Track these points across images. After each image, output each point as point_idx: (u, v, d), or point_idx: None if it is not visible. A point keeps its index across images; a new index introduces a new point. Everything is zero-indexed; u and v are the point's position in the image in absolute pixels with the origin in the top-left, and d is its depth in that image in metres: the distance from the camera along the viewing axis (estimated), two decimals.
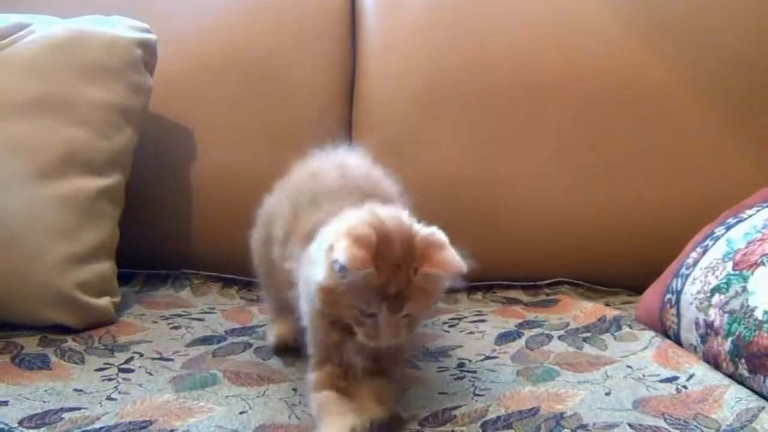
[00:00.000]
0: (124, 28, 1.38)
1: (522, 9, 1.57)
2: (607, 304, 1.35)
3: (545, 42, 1.54)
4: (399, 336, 0.90)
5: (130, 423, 0.87)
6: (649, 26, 1.53)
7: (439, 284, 0.91)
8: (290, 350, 1.09)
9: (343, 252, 0.84)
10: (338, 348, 0.94)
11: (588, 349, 1.14)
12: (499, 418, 0.91)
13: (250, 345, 1.15)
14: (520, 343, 1.18)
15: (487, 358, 1.12)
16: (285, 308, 1.09)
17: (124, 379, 1.01)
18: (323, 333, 0.94)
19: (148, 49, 1.39)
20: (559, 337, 1.19)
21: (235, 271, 1.48)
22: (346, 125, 1.58)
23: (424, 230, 0.91)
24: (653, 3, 1.56)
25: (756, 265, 1.00)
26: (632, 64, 1.51)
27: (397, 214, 0.92)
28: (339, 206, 0.96)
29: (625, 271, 1.46)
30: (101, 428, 0.86)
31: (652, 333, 1.15)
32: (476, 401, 0.96)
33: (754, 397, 0.91)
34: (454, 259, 0.89)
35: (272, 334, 1.13)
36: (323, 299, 0.89)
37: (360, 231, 0.87)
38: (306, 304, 0.95)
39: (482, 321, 1.28)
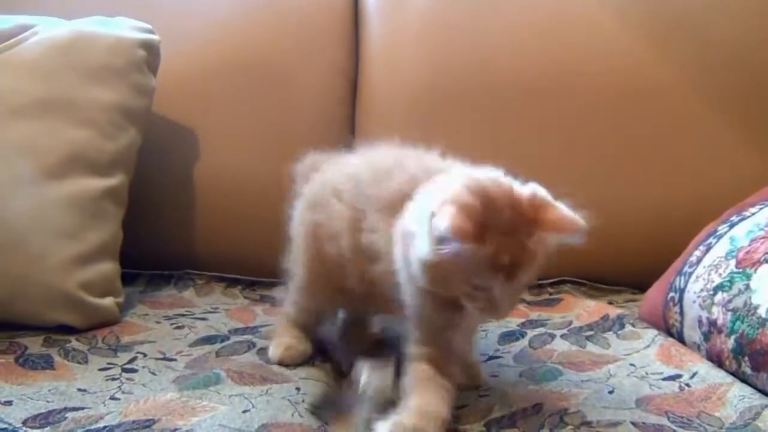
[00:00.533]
0: (127, 29, 1.38)
1: (525, 10, 1.57)
2: (610, 303, 1.35)
3: (548, 43, 1.54)
4: (515, 304, 0.90)
5: (133, 422, 0.87)
6: (651, 26, 1.53)
7: (551, 245, 0.85)
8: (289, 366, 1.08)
9: (448, 223, 0.78)
10: (445, 331, 0.90)
11: (591, 347, 1.14)
12: (503, 416, 0.91)
13: (254, 344, 1.15)
14: (523, 342, 1.18)
15: (491, 357, 1.12)
16: (313, 321, 1.11)
17: (127, 378, 1.01)
18: (431, 311, 0.89)
19: (152, 49, 1.40)
20: (562, 336, 1.18)
21: (238, 271, 1.49)
22: (349, 126, 1.58)
23: (526, 190, 0.85)
24: (655, 2, 1.56)
25: (759, 263, 1.00)
26: (634, 63, 1.51)
27: (495, 177, 0.87)
28: (413, 175, 0.92)
29: (628, 269, 1.46)
30: (104, 427, 0.86)
31: (655, 331, 1.15)
32: (480, 401, 0.96)
33: (758, 395, 0.91)
34: (568, 216, 0.84)
35: (278, 348, 1.09)
36: (430, 276, 0.84)
37: (463, 199, 0.82)
38: (409, 282, 0.89)
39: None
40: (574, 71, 1.52)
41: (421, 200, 0.86)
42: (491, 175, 0.87)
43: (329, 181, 1.06)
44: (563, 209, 0.84)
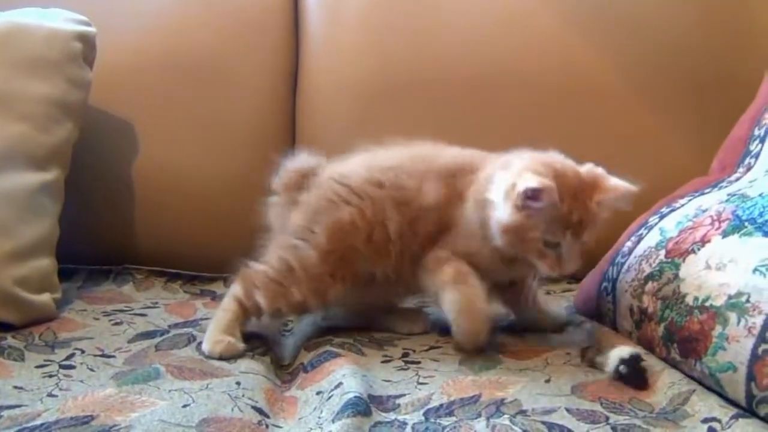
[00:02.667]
0: (62, 20, 1.36)
1: (467, 5, 1.59)
2: (547, 293, 1.37)
3: (489, 38, 1.56)
4: (578, 262, 1.05)
5: (71, 418, 0.86)
6: (590, 23, 1.56)
7: (610, 209, 1.05)
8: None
9: (532, 180, 0.98)
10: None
11: (529, 337, 1.16)
12: (441, 405, 0.92)
13: (194, 338, 1.14)
14: None
15: (432, 348, 1.13)
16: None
17: (65, 375, 1.00)
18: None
19: (88, 42, 1.37)
20: (501, 327, 1.20)
21: (178, 265, 1.48)
22: (289, 122, 1.58)
23: (585, 166, 1.07)
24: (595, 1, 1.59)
25: (687, 252, 1.03)
26: (573, 60, 1.55)
27: (557, 157, 1.07)
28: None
29: None
30: (42, 424, 0.85)
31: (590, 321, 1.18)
32: (420, 389, 0.97)
33: (686, 380, 0.94)
34: (622, 182, 1.04)
35: (218, 345, 1.08)
36: (508, 239, 1.03)
37: (538, 167, 1.02)
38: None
39: (427, 314, 1.29)
40: (516, 65, 1.55)
41: (499, 177, 1.05)
42: (554, 156, 1.07)
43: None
44: (616, 179, 1.05)
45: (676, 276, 1.02)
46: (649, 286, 1.06)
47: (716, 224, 1.03)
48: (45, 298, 1.22)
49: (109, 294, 1.38)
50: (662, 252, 1.08)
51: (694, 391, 0.91)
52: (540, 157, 1.05)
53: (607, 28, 1.56)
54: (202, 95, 1.54)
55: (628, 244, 1.18)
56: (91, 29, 1.39)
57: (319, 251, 1.12)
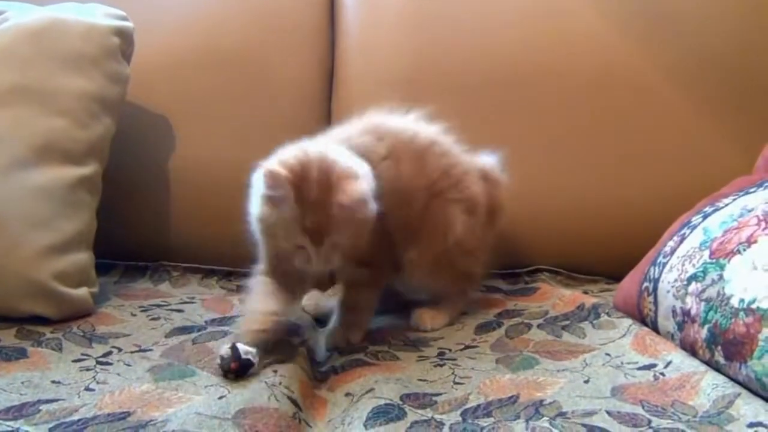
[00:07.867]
0: (100, 15, 1.37)
1: (505, 3, 1.57)
2: (585, 292, 1.35)
3: (528, 36, 1.54)
4: (331, 264, 1.04)
5: (108, 415, 0.87)
6: (634, 22, 1.53)
7: (356, 214, 1.00)
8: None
9: (263, 171, 0.98)
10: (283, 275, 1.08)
11: (567, 337, 1.14)
12: (479, 406, 0.91)
13: (230, 334, 1.14)
14: (500, 332, 1.18)
15: (467, 347, 1.13)
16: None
17: (102, 369, 1.01)
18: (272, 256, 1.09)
19: (125, 37, 1.38)
20: (539, 326, 1.19)
21: (215, 261, 1.48)
22: (326, 117, 1.57)
23: (346, 162, 1.02)
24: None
25: (732, 253, 1.01)
26: (615, 56, 1.52)
27: (325, 149, 1.04)
28: None
29: (604, 258, 1.47)
30: (79, 420, 0.85)
31: (630, 321, 1.15)
32: (456, 389, 0.96)
33: (730, 383, 0.92)
34: (358, 189, 0.98)
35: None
36: (261, 230, 1.05)
37: (284, 158, 1.01)
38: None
39: (463, 312, 1.28)
40: (554, 62, 1.52)
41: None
42: (323, 148, 1.05)
43: None
44: (359, 184, 0.99)
45: (721, 277, 1.00)
46: (693, 287, 1.04)
47: (763, 224, 1.00)
48: (82, 292, 1.22)
49: (145, 290, 1.38)
50: (706, 252, 1.06)
51: (739, 394, 0.89)
52: (298, 150, 1.05)
53: (649, 27, 1.53)
54: (239, 91, 1.53)
55: (671, 243, 1.16)
56: (129, 24, 1.39)
57: None
